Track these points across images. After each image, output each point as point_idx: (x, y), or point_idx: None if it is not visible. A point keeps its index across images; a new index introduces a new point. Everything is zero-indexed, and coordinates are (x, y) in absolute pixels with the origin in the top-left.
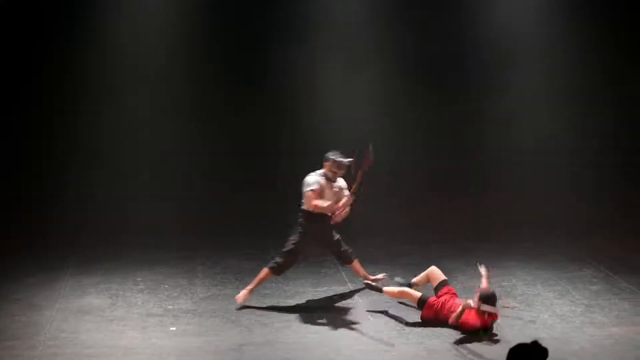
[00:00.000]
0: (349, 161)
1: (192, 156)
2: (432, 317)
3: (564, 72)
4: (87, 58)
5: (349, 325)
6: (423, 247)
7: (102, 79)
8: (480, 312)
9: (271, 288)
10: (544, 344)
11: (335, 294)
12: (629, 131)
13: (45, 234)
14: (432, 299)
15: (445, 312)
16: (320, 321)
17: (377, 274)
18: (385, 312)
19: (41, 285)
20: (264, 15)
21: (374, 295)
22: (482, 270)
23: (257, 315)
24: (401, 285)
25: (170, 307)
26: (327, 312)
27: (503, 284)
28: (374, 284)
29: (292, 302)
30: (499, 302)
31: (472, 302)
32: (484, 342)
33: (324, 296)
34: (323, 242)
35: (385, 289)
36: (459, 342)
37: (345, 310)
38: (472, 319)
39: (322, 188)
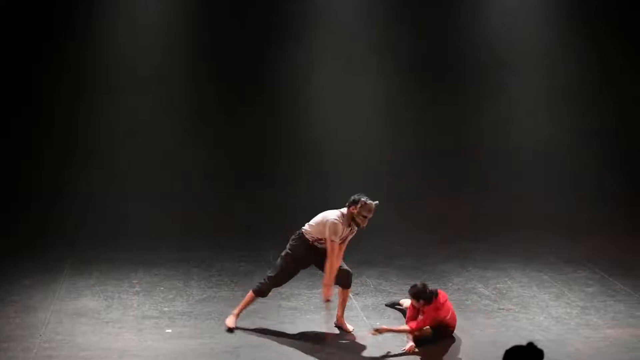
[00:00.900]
0: (377, 204)
1: (191, 156)
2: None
3: (563, 72)
4: (86, 57)
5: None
6: (419, 249)
7: (102, 78)
8: (427, 311)
9: None
10: (539, 345)
11: None
12: (628, 131)
13: (44, 234)
14: (412, 323)
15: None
16: (316, 324)
17: (349, 326)
18: (381, 314)
19: (37, 286)
20: (262, 15)
21: (371, 297)
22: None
23: (252, 317)
24: (393, 305)
25: (166, 309)
26: (323, 314)
27: (498, 285)
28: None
29: (287, 305)
30: None
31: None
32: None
33: (319, 298)
34: (308, 265)
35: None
36: (455, 345)
37: None
38: (428, 319)
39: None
